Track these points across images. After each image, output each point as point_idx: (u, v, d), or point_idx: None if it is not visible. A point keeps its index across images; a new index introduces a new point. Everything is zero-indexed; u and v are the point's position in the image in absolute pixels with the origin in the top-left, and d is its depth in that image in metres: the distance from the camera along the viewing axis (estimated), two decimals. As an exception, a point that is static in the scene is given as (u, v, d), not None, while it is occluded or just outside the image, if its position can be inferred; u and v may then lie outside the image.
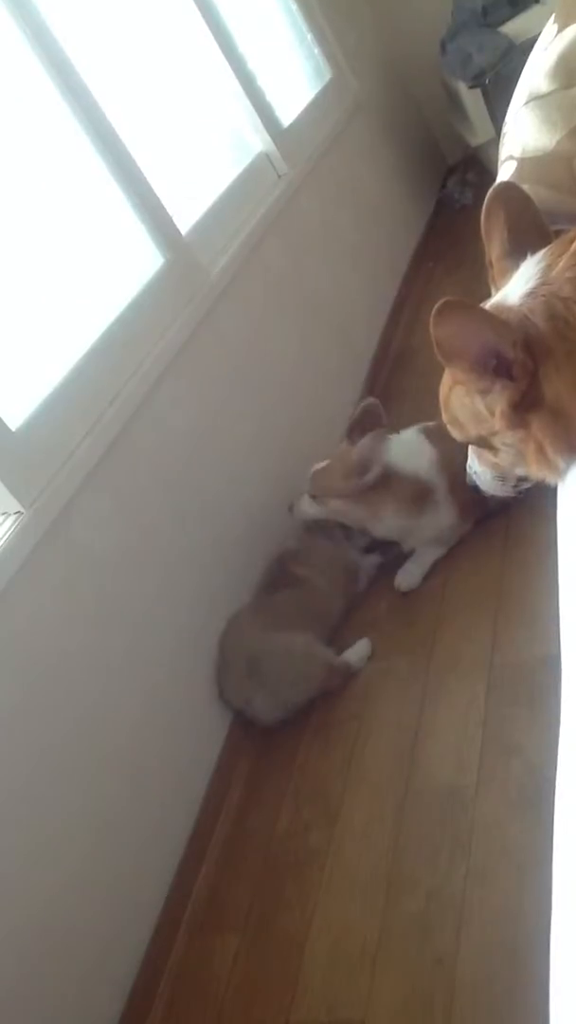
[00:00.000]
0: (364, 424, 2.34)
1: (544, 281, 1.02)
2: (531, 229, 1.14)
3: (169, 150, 2.63)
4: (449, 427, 1.17)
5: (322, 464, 2.40)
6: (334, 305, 3.33)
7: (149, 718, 1.97)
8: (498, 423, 1.05)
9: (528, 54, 1.68)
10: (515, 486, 1.21)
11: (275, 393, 2.76)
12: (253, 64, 3.10)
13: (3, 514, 1.74)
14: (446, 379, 1.13)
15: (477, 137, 3.78)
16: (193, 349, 2.36)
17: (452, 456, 2.12)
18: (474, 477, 1.26)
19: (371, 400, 2.39)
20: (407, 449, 2.36)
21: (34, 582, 1.72)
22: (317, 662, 2.19)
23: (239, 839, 2.03)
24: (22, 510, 1.73)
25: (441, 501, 2.32)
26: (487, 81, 3.51)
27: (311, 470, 2.41)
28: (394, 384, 3.40)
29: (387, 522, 2.36)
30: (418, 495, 2.31)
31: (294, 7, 3.77)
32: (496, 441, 1.10)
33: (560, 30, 1.55)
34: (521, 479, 1.19)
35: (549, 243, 1.09)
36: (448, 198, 4.60)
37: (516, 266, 1.08)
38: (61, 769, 1.72)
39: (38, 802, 1.66)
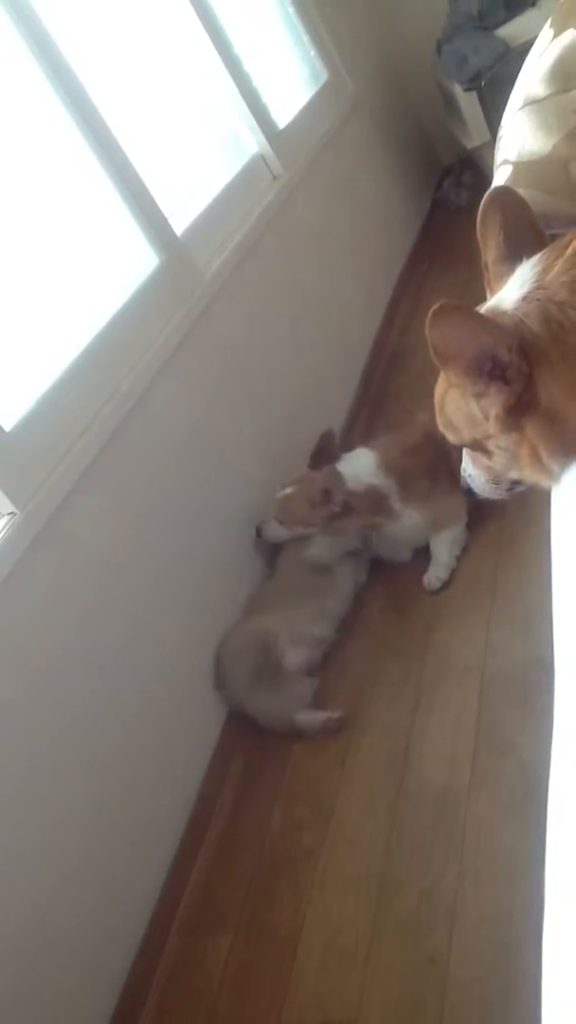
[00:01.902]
0: (322, 451, 2.48)
1: (539, 285, 1.02)
2: (527, 233, 1.14)
3: (165, 151, 2.63)
4: (444, 430, 1.17)
5: (287, 491, 2.43)
6: (329, 306, 3.33)
7: (143, 717, 1.98)
8: (493, 426, 1.05)
9: (524, 57, 1.68)
10: (509, 489, 1.21)
11: (270, 393, 2.76)
12: (249, 65, 3.10)
13: (-3, 514, 1.75)
14: (441, 382, 1.13)
15: (472, 139, 3.79)
16: (188, 350, 2.36)
17: (396, 460, 2.40)
18: (468, 480, 1.26)
19: (327, 429, 2.53)
20: (356, 464, 2.44)
21: (28, 583, 1.72)
22: (249, 635, 2.20)
23: (232, 838, 2.03)
24: (16, 511, 1.73)
25: (396, 506, 2.39)
26: (483, 84, 3.52)
27: (277, 496, 2.43)
28: (389, 384, 3.41)
29: (354, 537, 2.45)
30: (376, 505, 2.39)
31: (290, 9, 3.77)
32: (491, 444, 1.10)
33: (556, 35, 1.56)
34: (515, 482, 1.19)
35: (545, 247, 1.09)
36: (444, 199, 4.61)
37: (512, 270, 1.08)
38: (55, 768, 1.72)
39: (31, 800, 1.66)
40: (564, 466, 1.03)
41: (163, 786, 2.01)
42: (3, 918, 1.57)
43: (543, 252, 1.07)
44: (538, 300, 1.01)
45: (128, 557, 2.03)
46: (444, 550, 2.36)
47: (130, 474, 2.09)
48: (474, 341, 0.99)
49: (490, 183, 1.55)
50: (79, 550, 1.89)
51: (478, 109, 3.61)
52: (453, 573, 2.33)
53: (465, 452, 1.24)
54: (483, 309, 1.07)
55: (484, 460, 1.17)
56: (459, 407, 1.10)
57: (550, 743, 0.88)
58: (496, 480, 1.20)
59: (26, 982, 1.59)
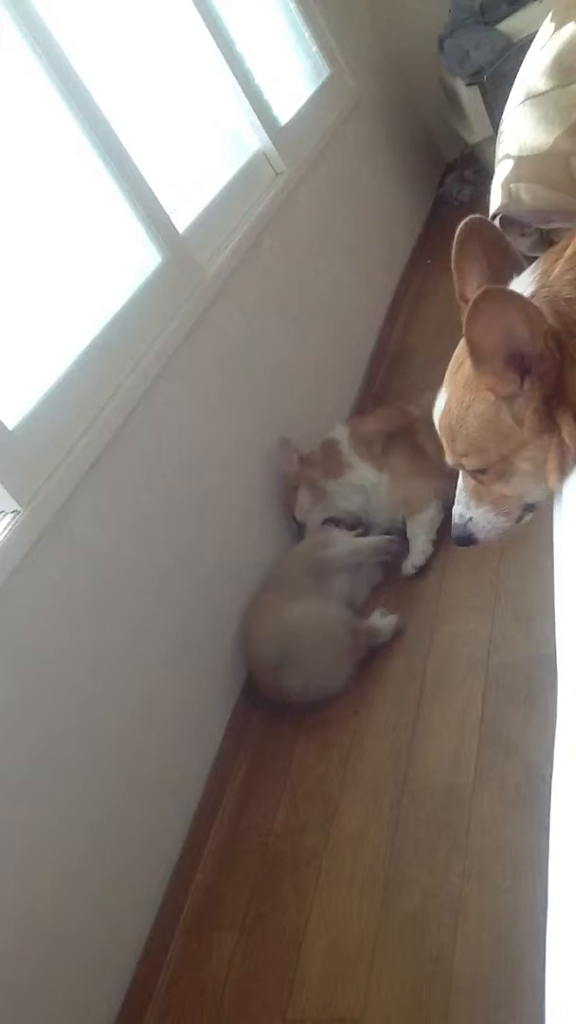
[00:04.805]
0: None
1: (543, 284, 1.02)
2: (505, 259, 1.15)
3: (167, 148, 2.62)
4: (463, 459, 1.13)
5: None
6: (332, 303, 3.32)
7: (147, 716, 1.97)
8: (528, 430, 1.03)
9: (526, 52, 1.67)
10: (519, 519, 1.19)
11: (272, 391, 2.76)
12: (251, 62, 3.09)
13: (0, 512, 1.74)
14: (456, 403, 1.10)
15: (475, 135, 3.78)
16: (190, 347, 2.36)
17: (355, 420, 2.79)
18: (468, 525, 1.21)
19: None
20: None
21: (31, 580, 1.72)
22: (340, 623, 2.19)
23: (236, 838, 2.03)
24: (19, 508, 1.73)
25: (345, 452, 2.63)
26: (485, 78, 3.51)
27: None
28: (392, 382, 3.40)
29: (333, 488, 2.63)
30: (328, 454, 2.65)
31: (292, 5, 3.76)
32: (519, 460, 1.08)
33: (557, 28, 1.55)
34: (527, 508, 1.17)
35: (520, 267, 1.10)
36: (446, 196, 4.59)
37: None
38: (57, 767, 1.72)
39: (35, 800, 1.66)
40: None
41: (167, 786, 2.01)
42: (8, 918, 1.57)
43: (542, 257, 1.07)
44: (545, 297, 1.01)
45: (131, 555, 2.03)
46: (420, 536, 2.47)
47: (133, 472, 2.09)
48: (510, 333, 0.97)
49: (492, 178, 1.55)
50: (82, 548, 1.89)
51: (480, 104, 3.60)
52: (454, 569, 2.34)
53: (464, 492, 1.21)
54: None
55: (499, 489, 1.14)
56: (488, 420, 1.07)
57: (554, 740, 0.87)
58: (507, 510, 1.18)
59: (32, 981, 1.59)
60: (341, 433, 2.68)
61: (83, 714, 1.80)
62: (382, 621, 2.24)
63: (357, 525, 2.61)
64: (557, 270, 1.02)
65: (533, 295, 1.03)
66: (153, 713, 2.00)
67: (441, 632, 2.18)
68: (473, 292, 1.12)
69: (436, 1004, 1.46)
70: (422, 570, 2.40)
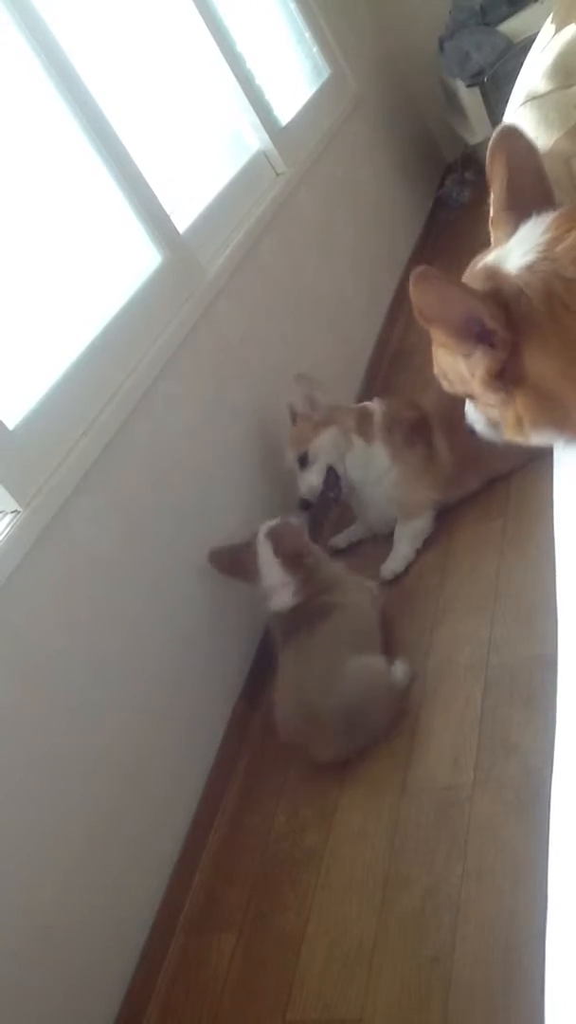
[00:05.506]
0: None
1: (547, 256, 0.96)
2: (531, 182, 1.08)
3: (167, 149, 2.63)
4: (439, 379, 1.16)
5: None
6: (332, 303, 3.33)
7: (146, 717, 1.97)
8: (477, 387, 1.04)
9: (526, 53, 1.67)
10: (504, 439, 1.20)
11: (272, 392, 2.76)
12: (251, 63, 3.10)
13: (0, 512, 1.75)
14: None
15: (475, 136, 3.79)
16: (191, 347, 2.36)
17: (391, 401, 2.64)
18: (472, 423, 1.23)
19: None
20: None
21: (31, 581, 1.72)
22: (372, 674, 2.04)
23: (236, 838, 2.03)
24: (19, 509, 1.73)
25: (377, 426, 2.55)
26: (485, 80, 3.51)
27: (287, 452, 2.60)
28: (392, 382, 3.40)
29: (355, 448, 2.54)
30: (365, 417, 2.59)
31: (292, 5, 3.77)
32: (478, 398, 1.10)
33: (558, 30, 1.55)
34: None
35: (549, 198, 1.05)
36: (446, 196, 4.60)
37: (513, 221, 1.03)
38: (57, 768, 1.72)
39: (34, 801, 1.66)
40: (544, 438, 1.02)
41: (166, 787, 2.01)
42: (8, 919, 1.57)
43: (554, 218, 1.02)
44: (544, 272, 0.95)
45: (131, 556, 2.03)
46: (405, 543, 2.48)
47: (133, 472, 2.09)
48: (461, 305, 0.96)
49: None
50: (82, 548, 1.89)
51: (481, 105, 3.61)
52: (455, 569, 2.33)
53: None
54: (484, 263, 1.04)
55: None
56: (448, 362, 1.08)
57: (554, 741, 0.87)
58: (494, 425, 1.18)
59: (31, 982, 1.59)
60: (377, 408, 2.60)
61: (82, 715, 1.80)
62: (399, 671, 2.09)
63: (329, 505, 2.58)
64: (567, 242, 0.96)
65: (531, 264, 0.99)
66: (153, 713, 2.00)
67: (441, 632, 2.18)
68: (497, 210, 1.10)
69: (436, 1004, 1.46)
70: (421, 570, 2.40)
